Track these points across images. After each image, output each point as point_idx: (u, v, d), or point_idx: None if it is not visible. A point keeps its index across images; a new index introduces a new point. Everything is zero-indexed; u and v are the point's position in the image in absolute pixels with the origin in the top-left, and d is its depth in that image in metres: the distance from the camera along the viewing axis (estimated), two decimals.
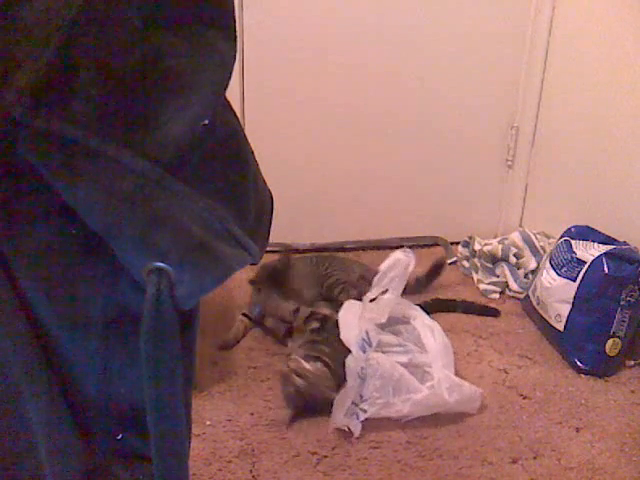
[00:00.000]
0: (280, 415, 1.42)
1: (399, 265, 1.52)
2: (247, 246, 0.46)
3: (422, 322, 1.59)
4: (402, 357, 1.47)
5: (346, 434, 1.37)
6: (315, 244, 2.17)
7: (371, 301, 1.50)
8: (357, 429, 1.36)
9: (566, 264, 1.67)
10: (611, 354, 1.61)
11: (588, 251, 1.64)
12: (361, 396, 1.37)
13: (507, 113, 2.17)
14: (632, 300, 1.58)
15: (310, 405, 1.41)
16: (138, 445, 0.50)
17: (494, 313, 1.88)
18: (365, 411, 1.36)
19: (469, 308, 1.88)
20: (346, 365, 1.38)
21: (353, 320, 1.47)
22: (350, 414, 1.36)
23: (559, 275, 1.68)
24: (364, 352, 1.39)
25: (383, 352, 1.46)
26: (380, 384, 1.37)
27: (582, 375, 1.62)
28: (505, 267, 2.01)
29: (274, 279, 1.79)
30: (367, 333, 1.41)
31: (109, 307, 0.45)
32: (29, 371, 0.44)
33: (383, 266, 1.54)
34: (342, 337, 1.45)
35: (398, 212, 2.23)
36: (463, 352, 1.68)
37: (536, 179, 2.20)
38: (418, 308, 1.64)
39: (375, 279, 1.54)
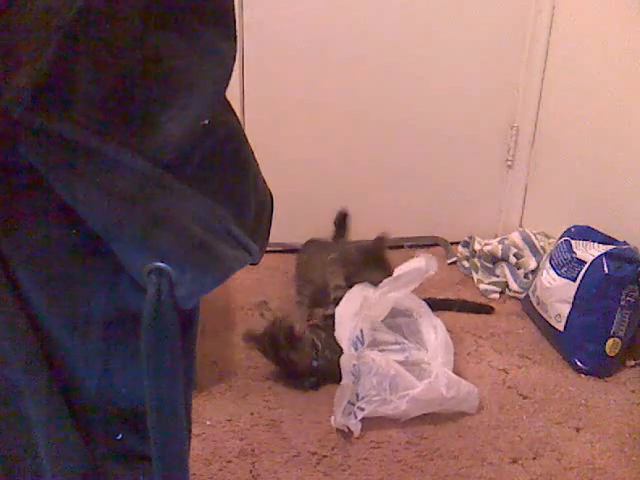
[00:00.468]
0: (280, 415, 1.42)
1: (418, 272, 1.51)
2: (247, 246, 0.46)
3: (426, 318, 1.57)
4: (398, 355, 1.47)
5: (346, 434, 1.37)
6: None
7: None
8: (357, 429, 1.36)
9: (566, 264, 1.67)
10: (611, 354, 1.61)
11: (588, 251, 1.64)
12: (357, 394, 1.37)
13: (507, 113, 2.17)
14: (632, 300, 1.58)
15: (275, 336, 1.48)
16: (138, 445, 0.50)
17: (488, 310, 1.88)
18: (363, 409, 1.36)
19: (463, 306, 1.88)
20: (340, 364, 1.38)
21: (348, 317, 1.47)
22: (348, 413, 1.36)
23: (559, 275, 1.68)
24: (356, 350, 1.39)
25: (379, 350, 1.45)
26: (376, 381, 1.37)
27: (582, 375, 1.62)
28: (505, 267, 2.01)
29: (368, 260, 1.77)
30: (361, 331, 1.42)
31: (109, 307, 0.45)
32: (29, 371, 0.44)
33: (401, 268, 1.53)
34: (336, 334, 1.45)
35: (398, 212, 2.23)
36: (463, 352, 1.68)
37: (536, 179, 2.20)
38: (424, 304, 1.61)
39: (388, 279, 1.53)
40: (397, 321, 1.56)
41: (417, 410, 1.39)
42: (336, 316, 1.51)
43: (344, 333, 1.44)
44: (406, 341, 1.52)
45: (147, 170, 0.40)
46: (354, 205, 2.18)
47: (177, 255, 0.42)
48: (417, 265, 1.51)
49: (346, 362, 1.37)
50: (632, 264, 1.58)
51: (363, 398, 1.37)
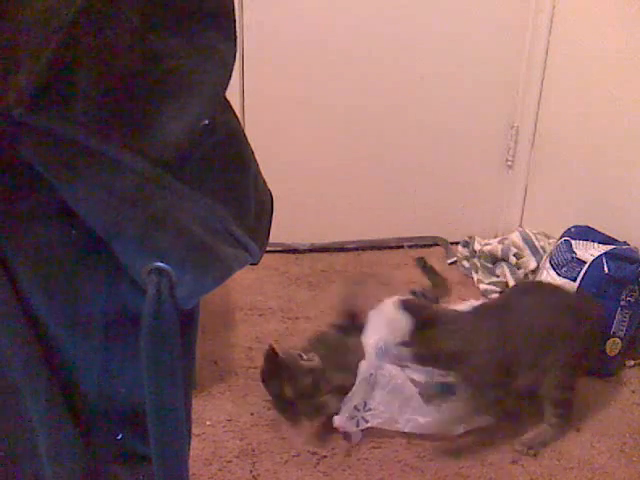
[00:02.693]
0: (280, 415, 1.42)
1: None
2: (247, 246, 0.46)
3: None
4: (420, 375, 1.43)
5: (346, 434, 1.36)
6: (315, 244, 2.17)
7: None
8: (357, 437, 1.34)
9: (566, 264, 1.67)
10: (611, 354, 1.61)
11: (588, 251, 1.64)
12: (365, 403, 1.35)
13: (507, 113, 2.17)
14: (632, 300, 1.58)
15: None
16: (138, 445, 0.50)
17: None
18: (367, 421, 1.35)
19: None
20: (358, 367, 1.36)
21: (379, 325, 1.44)
22: (351, 418, 1.34)
23: (559, 275, 1.68)
24: (379, 359, 1.37)
25: (402, 367, 1.41)
26: (388, 399, 1.35)
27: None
28: (505, 267, 2.01)
29: None
30: (385, 343, 1.38)
31: (109, 307, 0.45)
32: (29, 371, 0.44)
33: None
34: (363, 338, 1.44)
35: (398, 212, 2.23)
36: None
37: (536, 179, 2.20)
38: None
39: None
40: None
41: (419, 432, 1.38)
42: (368, 319, 1.48)
43: (371, 339, 1.41)
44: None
45: (147, 170, 0.40)
46: (354, 204, 2.18)
47: (177, 255, 0.42)
48: None
49: (365, 369, 1.35)
50: (632, 264, 1.58)
51: (370, 410, 1.35)
